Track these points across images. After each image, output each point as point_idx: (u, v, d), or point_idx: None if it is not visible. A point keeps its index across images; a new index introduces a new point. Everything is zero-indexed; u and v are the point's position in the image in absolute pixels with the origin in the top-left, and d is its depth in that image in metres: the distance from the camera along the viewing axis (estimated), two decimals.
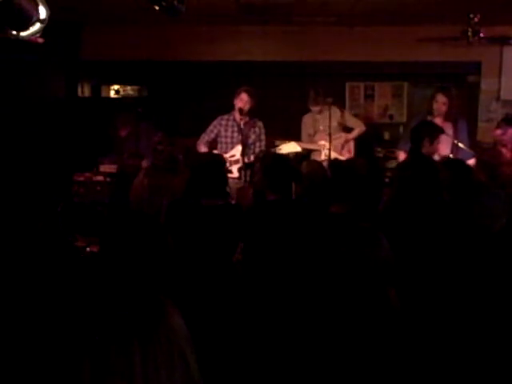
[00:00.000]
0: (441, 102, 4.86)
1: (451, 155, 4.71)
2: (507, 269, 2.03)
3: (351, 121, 5.59)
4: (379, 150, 6.52)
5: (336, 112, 5.43)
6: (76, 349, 1.04)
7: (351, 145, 5.55)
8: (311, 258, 2.39)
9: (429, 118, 4.88)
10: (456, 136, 4.80)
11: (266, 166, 3.42)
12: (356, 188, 3.15)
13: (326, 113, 5.20)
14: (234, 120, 5.17)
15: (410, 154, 3.99)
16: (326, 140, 5.19)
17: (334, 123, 5.32)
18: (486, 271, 2.03)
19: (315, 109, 5.39)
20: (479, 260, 2.07)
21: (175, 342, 1.12)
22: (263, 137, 5.24)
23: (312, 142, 5.50)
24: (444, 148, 4.48)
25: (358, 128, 5.55)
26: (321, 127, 5.40)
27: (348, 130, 5.59)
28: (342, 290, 1.55)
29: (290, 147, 5.32)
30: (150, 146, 5.66)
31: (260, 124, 5.22)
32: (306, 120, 5.56)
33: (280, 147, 5.26)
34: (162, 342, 1.08)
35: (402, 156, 5.13)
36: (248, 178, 4.80)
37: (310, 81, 6.14)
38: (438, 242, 2.40)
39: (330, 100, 5.19)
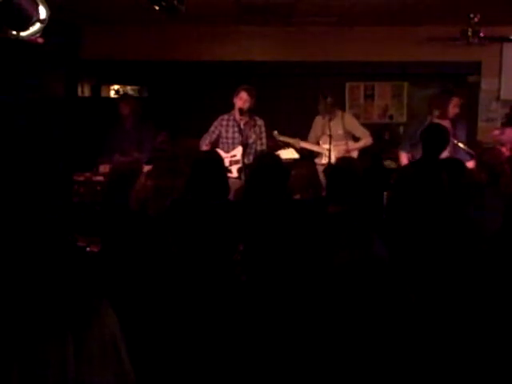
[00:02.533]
0: (459, 105, 4.92)
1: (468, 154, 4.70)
2: (501, 271, 2.03)
3: (359, 130, 5.52)
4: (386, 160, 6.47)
5: (346, 119, 5.43)
6: (4, 343, 1.07)
7: (355, 154, 5.51)
8: (307, 258, 2.40)
9: (433, 119, 4.87)
10: (455, 137, 4.80)
11: (259, 166, 3.43)
12: (352, 188, 3.15)
13: (337, 119, 5.26)
14: (235, 120, 5.17)
15: (428, 158, 3.92)
16: (331, 145, 5.20)
17: (341, 131, 5.33)
18: (480, 274, 2.02)
19: (323, 113, 5.36)
20: (474, 262, 2.06)
21: (109, 338, 1.16)
22: (264, 135, 5.24)
23: (317, 144, 5.49)
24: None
25: (365, 139, 5.48)
26: (328, 132, 5.37)
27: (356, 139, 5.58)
28: (334, 289, 1.54)
29: (287, 153, 5.33)
30: (147, 140, 5.69)
31: (260, 122, 5.22)
32: (317, 121, 5.53)
33: (278, 153, 5.26)
34: (95, 338, 1.13)
35: (403, 157, 5.10)
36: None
37: (310, 81, 6.14)
38: (435, 243, 2.39)
39: (330, 100, 5.18)
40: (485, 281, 1.99)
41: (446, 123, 4.73)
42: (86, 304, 1.16)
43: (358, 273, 1.49)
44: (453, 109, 4.91)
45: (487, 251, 2.11)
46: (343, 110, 5.53)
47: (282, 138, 5.46)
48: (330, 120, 5.13)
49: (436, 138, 3.94)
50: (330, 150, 5.11)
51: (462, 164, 3.75)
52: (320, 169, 5.48)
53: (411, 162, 4.66)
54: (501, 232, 2.18)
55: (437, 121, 4.79)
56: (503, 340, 1.83)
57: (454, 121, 4.94)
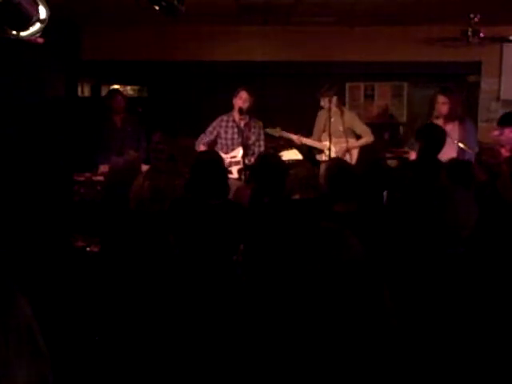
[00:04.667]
0: (441, 103, 4.86)
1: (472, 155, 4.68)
2: (475, 274, 2.03)
3: (361, 128, 5.51)
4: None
5: (346, 115, 5.43)
6: None
7: (355, 151, 5.51)
8: (293, 260, 2.40)
9: (433, 120, 4.87)
10: (463, 137, 4.78)
11: (258, 167, 3.44)
12: (357, 187, 3.18)
13: (338, 116, 5.26)
14: (234, 121, 5.17)
15: (427, 157, 3.91)
16: (332, 142, 5.20)
17: (342, 127, 5.32)
18: (454, 278, 2.02)
19: (323, 101, 5.34)
20: (446, 267, 2.05)
21: (24, 325, 1.19)
22: (262, 137, 5.26)
23: (319, 140, 5.48)
24: (449, 150, 4.48)
25: (366, 137, 5.48)
26: (331, 128, 5.37)
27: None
28: (305, 292, 1.54)
29: (290, 154, 5.34)
30: (141, 136, 5.74)
31: (259, 124, 5.23)
32: (320, 116, 5.52)
33: (281, 154, 5.28)
34: (11, 327, 1.16)
35: (414, 156, 5.11)
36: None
37: (310, 81, 6.13)
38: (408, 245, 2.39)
39: (331, 93, 5.21)
40: (461, 283, 1.99)
41: (441, 122, 4.73)
42: (1, 295, 1.19)
43: (329, 275, 1.49)
44: (437, 106, 4.88)
45: (464, 254, 2.10)
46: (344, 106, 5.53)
47: (284, 134, 5.47)
48: (340, 113, 5.16)
49: (431, 137, 3.93)
50: (330, 149, 5.11)
51: (468, 165, 3.71)
52: (322, 165, 5.49)
53: (407, 162, 4.68)
54: (475, 234, 2.17)
55: (437, 122, 4.79)
56: (483, 339, 1.83)
57: (463, 120, 4.91)
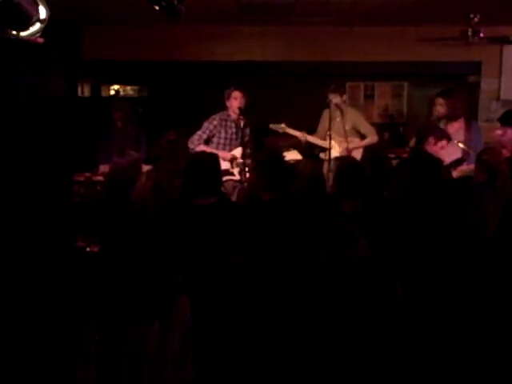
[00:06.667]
0: (438, 105, 4.88)
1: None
2: (501, 274, 2.03)
3: (365, 128, 5.48)
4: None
5: (352, 114, 5.42)
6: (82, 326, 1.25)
7: (358, 152, 5.48)
8: (298, 258, 2.40)
9: (433, 120, 4.90)
10: (468, 138, 4.78)
11: (262, 164, 3.44)
12: (364, 185, 3.19)
13: (344, 115, 5.24)
14: (233, 121, 5.19)
15: (411, 150, 4.07)
16: (335, 140, 5.19)
17: (348, 126, 5.30)
18: (479, 277, 2.02)
19: (331, 97, 5.32)
20: (473, 266, 2.06)
21: (186, 329, 1.35)
22: (251, 136, 5.33)
23: (324, 139, 5.46)
24: (453, 152, 4.49)
25: (370, 137, 5.45)
26: (335, 127, 5.35)
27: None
28: (320, 290, 1.55)
29: (291, 155, 5.34)
30: (142, 138, 5.75)
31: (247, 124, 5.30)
32: (326, 114, 5.49)
33: (283, 155, 5.27)
34: (176, 328, 1.30)
35: None
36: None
37: (310, 81, 6.14)
38: (431, 245, 2.40)
39: (343, 89, 5.24)
40: (484, 281, 1.99)
41: (443, 124, 4.75)
42: (171, 301, 1.33)
43: (341, 273, 1.49)
44: (435, 108, 4.92)
45: (487, 252, 2.11)
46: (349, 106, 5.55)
47: (289, 130, 5.45)
48: (344, 113, 5.16)
49: (422, 130, 4.17)
50: (329, 149, 5.10)
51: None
52: (325, 164, 5.47)
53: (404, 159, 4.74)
54: (498, 233, 2.18)
55: (439, 123, 4.82)
56: (501, 338, 1.83)
57: (469, 122, 4.92)
